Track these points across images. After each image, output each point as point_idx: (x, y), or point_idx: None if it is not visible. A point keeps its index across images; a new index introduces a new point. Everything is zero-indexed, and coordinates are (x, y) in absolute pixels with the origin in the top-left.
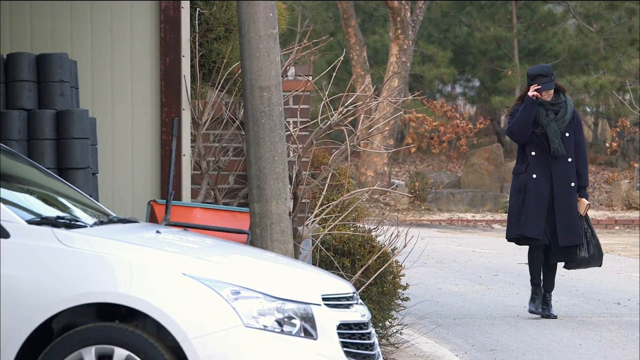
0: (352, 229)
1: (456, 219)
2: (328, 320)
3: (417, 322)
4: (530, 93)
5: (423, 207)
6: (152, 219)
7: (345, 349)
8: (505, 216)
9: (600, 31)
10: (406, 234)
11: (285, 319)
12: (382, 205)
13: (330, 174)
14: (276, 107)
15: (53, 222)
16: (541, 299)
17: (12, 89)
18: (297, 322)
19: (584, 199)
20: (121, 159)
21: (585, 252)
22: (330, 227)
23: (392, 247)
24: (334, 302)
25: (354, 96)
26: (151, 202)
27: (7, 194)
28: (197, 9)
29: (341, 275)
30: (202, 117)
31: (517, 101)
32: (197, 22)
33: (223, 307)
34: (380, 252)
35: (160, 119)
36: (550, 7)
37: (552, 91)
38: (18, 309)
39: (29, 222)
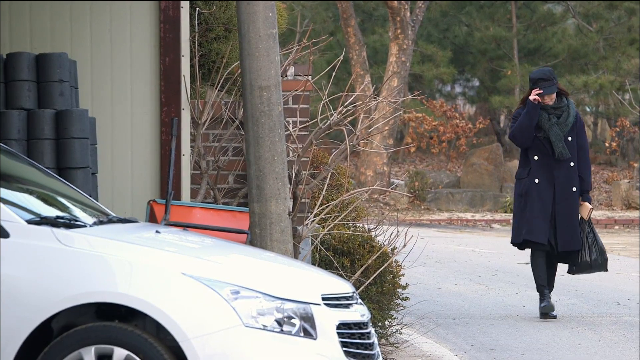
0: (351, 228)
1: (456, 219)
2: (327, 320)
3: (417, 321)
4: (531, 97)
5: (422, 207)
6: (152, 218)
7: (344, 348)
8: (504, 216)
9: (599, 31)
10: (406, 233)
11: (285, 319)
12: (381, 205)
13: (329, 173)
14: (276, 106)
15: (53, 222)
16: (550, 298)
17: (11, 89)
18: (296, 321)
19: (586, 203)
20: (121, 159)
21: (587, 257)
22: (329, 227)
23: (391, 246)
24: (333, 301)
25: (353, 96)
26: (151, 202)
27: (6, 193)
28: (197, 8)
29: (341, 275)
30: (202, 116)
31: (520, 105)
32: (196, 22)
33: (223, 307)
34: (379, 252)
35: (159, 119)
36: (550, 6)
37: (554, 95)
38: (17, 309)
39: (29, 221)
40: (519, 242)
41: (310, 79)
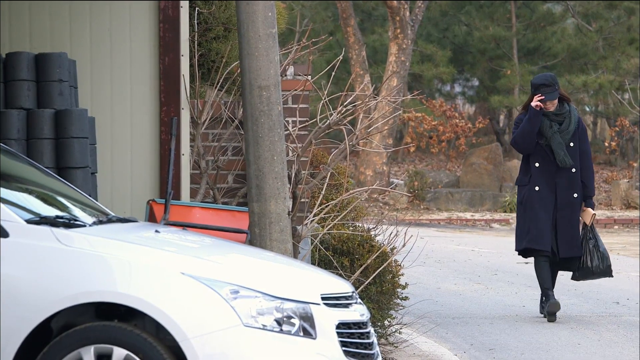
0: (351, 228)
1: (455, 219)
2: (327, 319)
3: (416, 321)
4: (533, 104)
5: (422, 207)
6: (151, 218)
7: (344, 348)
8: (504, 215)
9: (599, 30)
10: (405, 233)
11: (284, 319)
12: (381, 204)
13: (329, 173)
14: (275, 106)
15: (52, 222)
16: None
17: (11, 89)
18: (296, 321)
19: (589, 209)
20: (120, 158)
21: (588, 263)
22: (329, 227)
23: (391, 246)
24: (333, 301)
25: (353, 95)
26: (150, 202)
27: (6, 193)
28: (196, 8)
29: (340, 275)
30: (201, 116)
31: (522, 110)
32: (196, 22)
33: (222, 307)
34: (379, 252)
35: (159, 118)
36: (549, 6)
37: (556, 101)
38: (17, 309)
39: (28, 221)
40: (521, 250)
41: (309, 79)
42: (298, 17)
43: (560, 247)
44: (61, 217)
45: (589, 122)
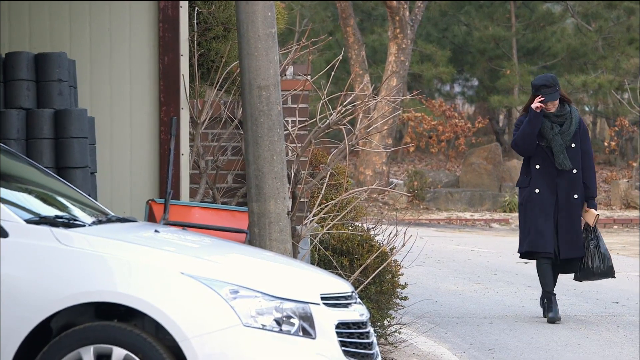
0: (350, 228)
1: (455, 218)
2: (327, 319)
3: (416, 321)
4: (533, 105)
5: (422, 206)
6: (151, 218)
7: (343, 348)
8: (503, 215)
9: (598, 30)
10: (405, 233)
11: (284, 318)
12: (380, 204)
13: (328, 173)
14: (275, 106)
15: (51, 222)
16: (557, 306)
17: (10, 88)
18: (295, 321)
19: (592, 210)
20: (120, 158)
21: (589, 263)
22: (328, 227)
23: (390, 246)
24: (332, 301)
25: (352, 95)
26: (150, 202)
27: (5, 193)
28: (196, 8)
29: (340, 275)
30: (201, 116)
31: (522, 112)
32: (195, 21)
33: (222, 307)
34: (378, 252)
35: (158, 118)
36: (549, 6)
37: (557, 102)
38: (16, 309)
39: (28, 221)
40: (523, 252)
41: (309, 79)
42: (297, 17)
43: (561, 248)
44: (61, 217)
45: (588, 122)
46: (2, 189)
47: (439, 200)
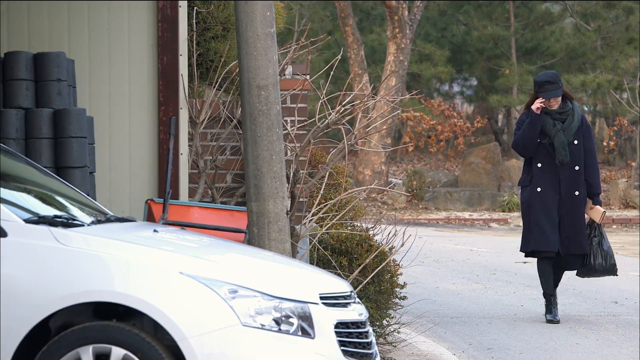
0: (349, 227)
1: (453, 218)
2: (325, 319)
3: (415, 320)
4: (534, 107)
5: (420, 206)
6: (150, 218)
7: (342, 347)
8: (502, 215)
9: (597, 30)
10: (403, 232)
11: (283, 318)
12: (379, 204)
13: (327, 172)
14: (274, 105)
15: (50, 221)
16: (557, 308)
17: (9, 88)
18: (294, 321)
19: (598, 207)
20: (118, 158)
21: (591, 260)
22: (327, 226)
23: (389, 246)
24: (331, 301)
25: (351, 95)
26: (148, 201)
27: (4, 192)
28: (195, 7)
29: (338, 274)
30: (200, 115)
31: (524, 109)
32: (194, 21)
33: (220, 306)
34: (377, 251)
35: (157, 118)
36: (548, 5)
37: (559, 98)
38: (15, 308)
39: (27, 221)
40: (526, 252)
41: (308, 78)
42: (296, 16)
43: (562, 244)
44: (59, 217)
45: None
46: (1, 188)
47: (438, 200)
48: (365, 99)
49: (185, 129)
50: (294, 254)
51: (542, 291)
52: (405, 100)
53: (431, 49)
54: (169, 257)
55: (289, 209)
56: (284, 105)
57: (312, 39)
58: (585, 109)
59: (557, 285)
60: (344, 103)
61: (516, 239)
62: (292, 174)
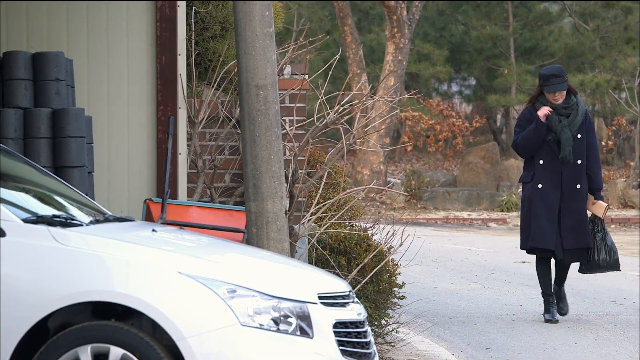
0: (348, 227)
1: (452, 218)
2: (324, 318)
3: (413, 320)
4: (541, 114)
5: (419, 206)
6: (148, 217)
7: (341, 347)
8: (501, 214)
9: (596, 30)
10: (402, 232)
11: (282, 318)
12: (378, 203)
13: (326, 172)
14: (272, 105)
15: (49, 221)
16: (556, 307)
17: (8, 88)
18: (293, 320)
19: (600, 202)
20: (117, 158)
21: (595, 256)
22: (326, 226)
23: (388, 245)
24: (330, 300)
25: (350, 95)
26: (147, 201)
27: (3, 192)
28: (193, 7)
29: (337, 274)
30: (198, 115)
31: (527, 104)
32: (193, 21)
33: (219, 306)
34: (376, 251)
35: (156, 118)
36: (546, 5)
37: (564, 92)
38: (14, 308)
39: (25, 220)
40: (526, 248)
41: (306, 78)
42: (295, 16)
43: (564, 238)
44: (58, 217)
45: None
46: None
47: (437, 200)
48: (364, 99)
49: (184, 128)
50: (292, 253)
51: (540, 291)
52: (404, 100)
53: (430, 48)
54: (167, 256)
55: (287, 209)
56: (282, 105)
57: (310, 39)
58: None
59: (563, 283)
60: (342, 103)
61: (515, 239)
62: (290, 174)
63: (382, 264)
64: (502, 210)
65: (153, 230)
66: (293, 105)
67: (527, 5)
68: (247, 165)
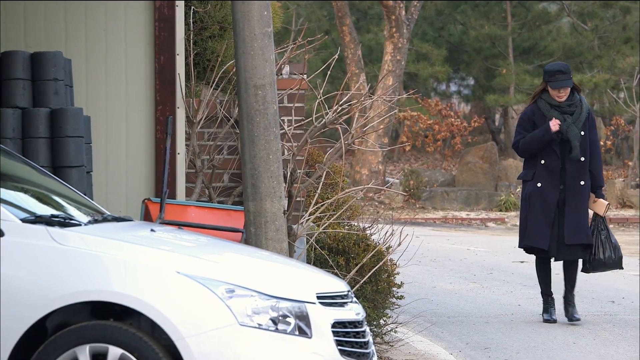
0: (346, 227)
1: (451, 217)
2: (323, 318)
3: (412, 320)
4: (552, 125)
5: (417, 206)
6: (147, 217)
7: (339, 347)
8: (499, 214)
9: (594, 29)
10: (401, 232)
11: (280, 318)
12: (376, 203)
13: (324, 172)
14: (271, 105)
15: (47, 221)
16: (554, 308)
17: (6, 87)
18: (291, 320)
19: (601, 200)
20: (115, 157)
21: (600, 254)
22: (324, 226)
23: (386, 245)
24: (328, 300)
25: (348, 94)
26: (145, 201)
27: (1, 192)
28: (192, 7)
29: (336, 274)
30: (197, 115)
31: (531, 101)
32: (191, 21)
33: (217, 306)
34: (374, 251)
35: (154, 117)
36: (545, 5)
37: (569, 89)
38: (12, 308)
39: (24, 220)
40: (522, 247)
41: (305, 78)
42: (294, 16)
43: (565, 233)
44: (57, 216)
45: None
46: None
47: (435, 200)
48: (363, 99)
49: (183, 128)
50: (291, 253)
51: (539, 290)
52: (403, 100)
53: (428, 48)
54: (166, 256)
55: (286, 209)
56: (281, 105)
57: (309, 39)
58: None
59: (573, 288)
60: (341, 102)
61: (513, 239)
62: (289, 174)
63: (380, 263)
64: (500, 210)
65: (151, 230)
66: (291, 105)
67: (526, 5)
68: (246, 165)
